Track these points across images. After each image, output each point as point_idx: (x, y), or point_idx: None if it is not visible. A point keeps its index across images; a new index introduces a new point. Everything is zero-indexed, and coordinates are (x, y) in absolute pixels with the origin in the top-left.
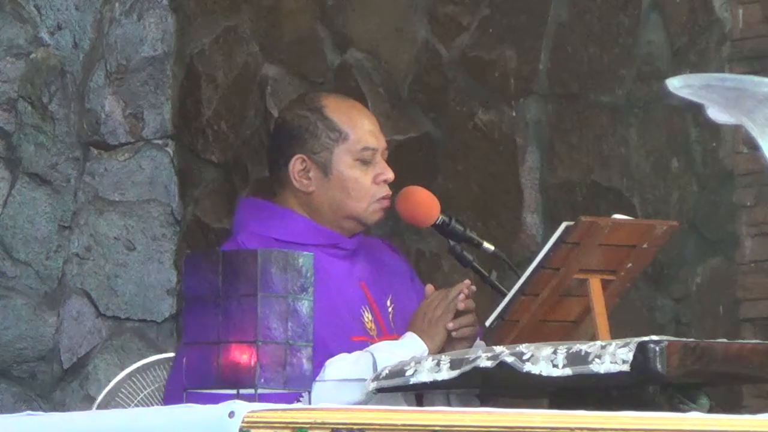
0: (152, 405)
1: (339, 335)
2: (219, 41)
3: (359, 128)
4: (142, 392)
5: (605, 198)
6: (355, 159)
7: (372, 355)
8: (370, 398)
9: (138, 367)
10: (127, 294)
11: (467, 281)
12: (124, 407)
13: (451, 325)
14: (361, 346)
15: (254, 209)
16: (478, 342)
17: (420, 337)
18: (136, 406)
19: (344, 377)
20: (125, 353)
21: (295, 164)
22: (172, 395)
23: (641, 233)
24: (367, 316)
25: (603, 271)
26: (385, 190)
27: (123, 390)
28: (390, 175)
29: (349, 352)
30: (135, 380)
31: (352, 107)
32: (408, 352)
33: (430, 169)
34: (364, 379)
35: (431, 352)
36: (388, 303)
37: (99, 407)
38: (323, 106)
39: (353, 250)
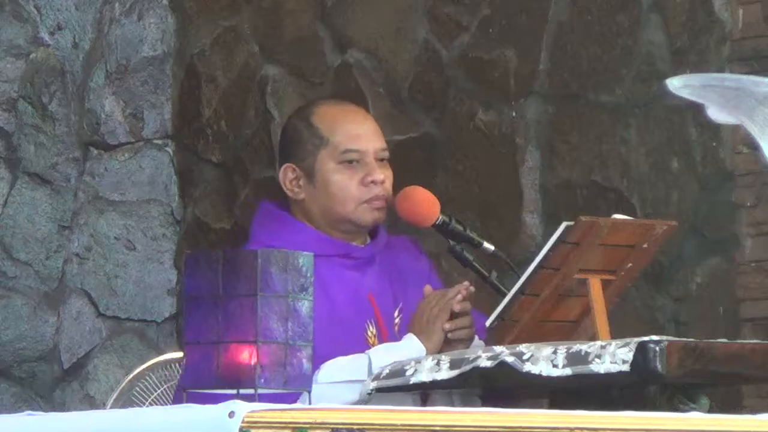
0: (164, 404)
1: (337, 352)
2: (219, 41)
3: (341, 132)
4: (155, 391)
5: (605, 198)
6: (339, 162)
7: (368, 357)
8: (368, 400)
9: (150, 366)
10: (127, 294)
11: (466, 282)
12: (138, 406)
13: (447, 326)
14: None
15: (268, 219)
16: (477, 342)
17: (418, 337)
18: (150, 405)
19: (339, 379)
20: (125, 353)
21: (286, 173)
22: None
23: (641, 233)
24: (371, 330)
25: (603, 271)
26: (374, 192)
27: (137, 388)
28: (378, 176)
29: None
30: (148, 379)
31: (341, 111)
32: (406, 354)
33: (430, 169)
34: (360, 381)
35: (429, 353)
36: (396, 314)
37: (112, 406)
38: (311, 114)
39: (366, 259)
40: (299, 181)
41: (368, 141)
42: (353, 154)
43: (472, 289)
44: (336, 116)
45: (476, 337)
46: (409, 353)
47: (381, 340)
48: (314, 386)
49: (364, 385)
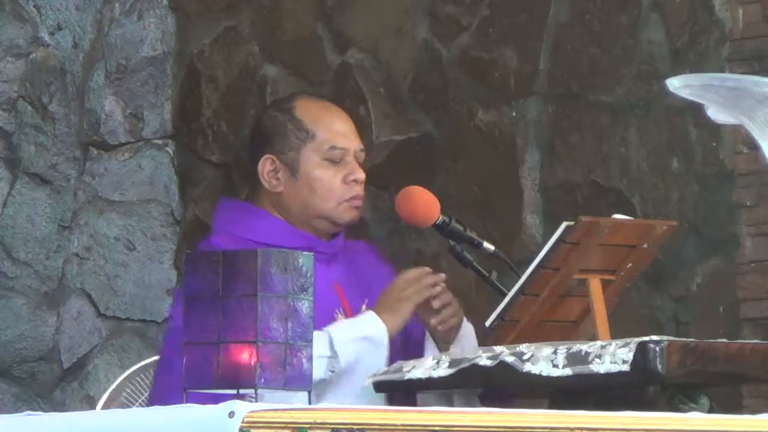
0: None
1: None
2: (219, 41)
3: (327, 128)
4: (145, 392)
5: (605, 198)
6: (323, 159)
7: (328, 333)
8: (331, 378)
9: (140, 367)
10: (127, 294)
11: (442, 275)
12: (128, 407)
13: (434, 321)
14: None
15: (231, 211)
16: (466, 325)
17: (379, 314)
18: (140, 406)
19: None
20: (125, 353)
21: (265, 164)
22: (160, 394)
23: (641, 233)
24: (341, 318)
25: (603, 271)
26: (355, 191)
27: (127, 390)
28: (360, 175)
29: None
30: (139, 380)
31: (323, 108)
32: (365, 330)
33: (430, 169)
34: (323, 356)
35: (390, 330)
36: (363, 308)
37: (103, 408)
38: (293, 107)
39: (331, 254)
40: (278, 174)
41: (351, 140)
42: (338, 152)
43: (442, 276)
44: (320, 111)
45: (464, 319)
46: (369, 329)
47: None
48: None
49: (326, 363)
